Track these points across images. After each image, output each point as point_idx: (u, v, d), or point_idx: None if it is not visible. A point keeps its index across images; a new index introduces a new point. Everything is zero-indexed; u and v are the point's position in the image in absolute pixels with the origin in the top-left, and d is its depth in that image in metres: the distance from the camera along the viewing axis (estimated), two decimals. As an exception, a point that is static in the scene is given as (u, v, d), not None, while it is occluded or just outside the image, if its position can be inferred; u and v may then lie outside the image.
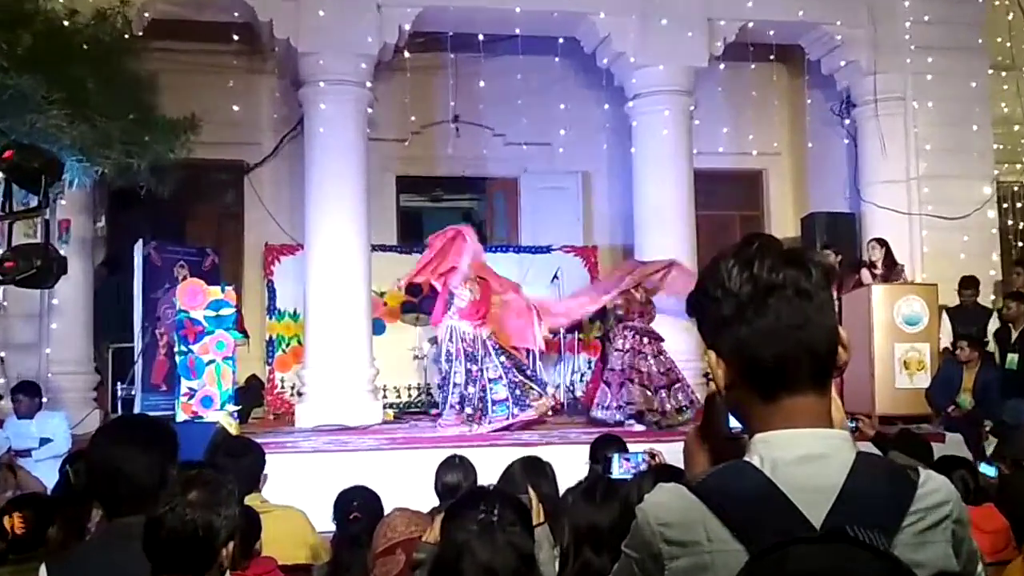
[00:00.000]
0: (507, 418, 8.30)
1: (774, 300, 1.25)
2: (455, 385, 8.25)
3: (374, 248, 10.30)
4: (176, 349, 7.83)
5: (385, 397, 10.54)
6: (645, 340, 8.71)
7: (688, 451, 1.46)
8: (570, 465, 4.52)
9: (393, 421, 9.67)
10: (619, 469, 3.12)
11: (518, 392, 8.52)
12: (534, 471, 3.75)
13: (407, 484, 6.07)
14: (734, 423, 1.37)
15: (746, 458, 1.26)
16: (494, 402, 8.32)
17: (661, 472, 2.40)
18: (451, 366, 8.31)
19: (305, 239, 9.87)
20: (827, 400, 1.30)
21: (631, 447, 4.43)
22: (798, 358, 1.25)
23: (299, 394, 9.92)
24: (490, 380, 8.35)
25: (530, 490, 2.61)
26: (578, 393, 11.06)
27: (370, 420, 9.18)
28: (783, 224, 12.48)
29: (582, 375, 11.24)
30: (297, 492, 5.05)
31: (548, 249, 11.69)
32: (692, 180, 10.60)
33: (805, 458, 1.23)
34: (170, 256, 10.03)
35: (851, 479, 1.21)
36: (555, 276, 10.89)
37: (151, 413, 7.69)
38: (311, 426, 8.92)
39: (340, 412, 9.07)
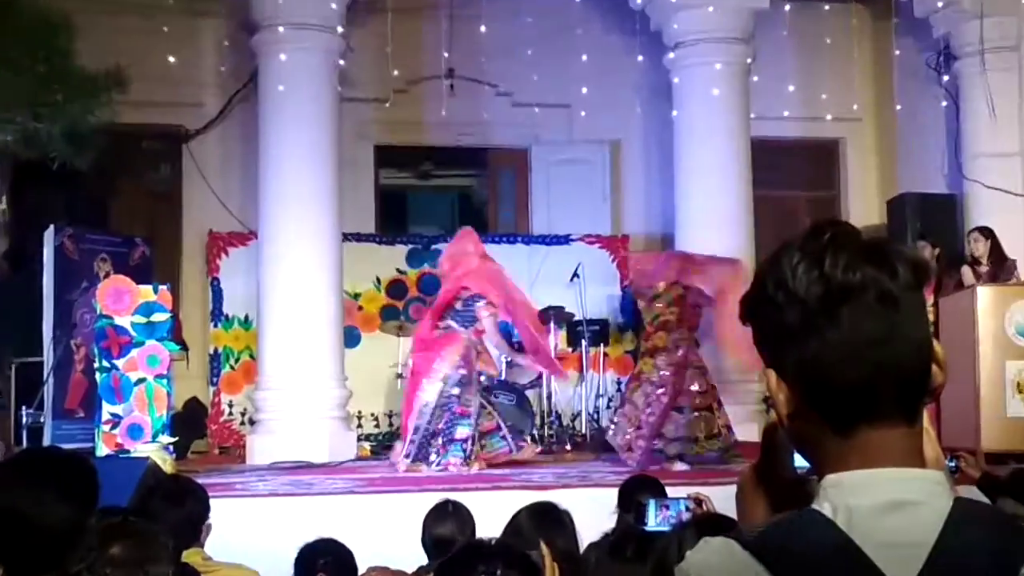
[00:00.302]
0: (508, 452, 8.31)
1: (850, 307, 1.25)
2: (464, 417, 8.24)
3: (346, 237, 10.33)
4: (97, 365, 7.85)
5: (360, 427, 10.55)
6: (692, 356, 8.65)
7: (741, 496, 1.47)
8: (593, 514, 4.51)
9: (370, 457, 9.68)
10: (655, 519, 3.13)
11: (509, 422, 8.53)
12: (548, 521, 3.76)
13: (387, 537, 6.08)
14: (799, 461, 1.37)
15: (814, 506, 1.26)
16: (483, 434, 8.32)
17: (707, 523, 2.41)
18: (461, 392, 8.29)
19: (259, 226, 9.90)
20: (918, 433, 1.30)
21: (671, 491, 4.44)
22: (881, 381, 1.26)
23: (251, 422, 9.93)
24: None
25: (543, 545, 2.62)
26: (604, 423, 11.06)
27: (341, 456, 9.20)
28: (865, 208, 12.48)
29: (609, 400, 11.25)
30: (249, 546, 5.06)
31: (566, 240, 11.71)
32: (749, 152, 10.60)
33: (889, 506, 1.23)
34: (90, 247, 10.04)
35: (947, 533, 1.21)
36: (575, 274, 10.91)
37: (64, 446, 7.69)
38: (266, 463, 8.94)
39: (303, 445, 9.09)
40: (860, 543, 1.21)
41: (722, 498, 3.68)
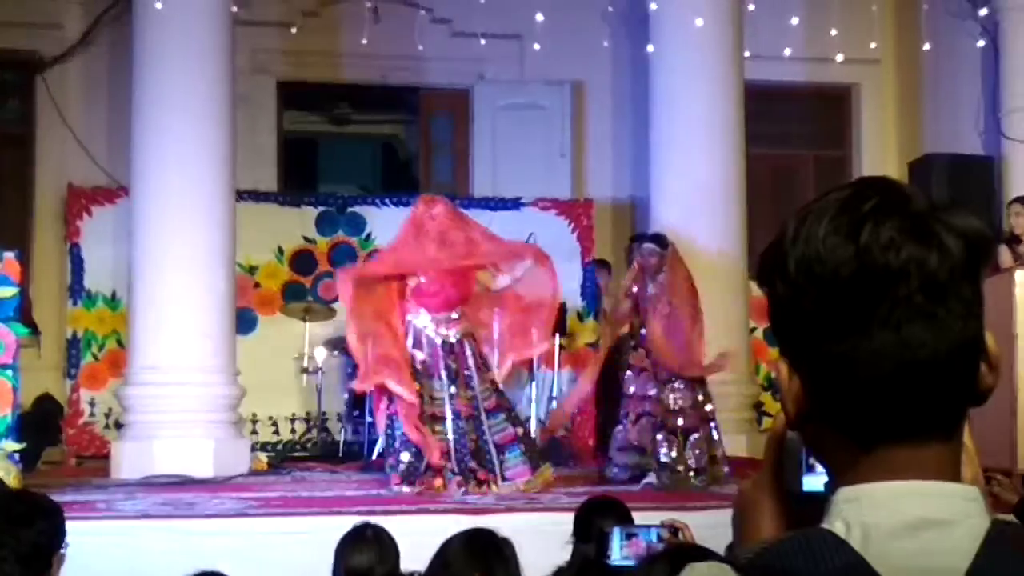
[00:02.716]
0: (529, 471, 8.26)
1: (885, 297, 1.24)
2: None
3: (240, 196, 10.25)
4: (-77, 351, 7.76)
5: (255, 433, 10.51)
6: None
7: (742, 511, 1.46)
8: (542, 544, 4.54)
9: (267, 471, 9.66)
10: (620, 551, 3.15)
11: (527, 439, 8.49)
12: (485, 552, 3.77)
13: (287, 569, 6.09)
14: (810, 483, 1.38)
15: (825, 524, 1.27)
16: (500, 446, 8.26)
17: (682, 555, 2.42)
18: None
19: (131, 180, 9.80)
20: (956, 447, 1.30)
21: (637, 517, 4.46)
22: (912, 388, 1.25)
23: (118, 426, 9.86)
24: (487, 412, 8.30)
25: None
26: (558, 431, 11.10)
27: (230, 469, 9.17)
28: (882, 171, 12.47)
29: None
30: (113, 580, 5.03)
31: (516, 205, 11.72)
32: (742, 100, 10.64)
33: (914, 525, 1.24)
34: (-86, 203, 9.92)
35: (982, 558, 1.22)
36: (526, 245, 10.91)
37: None
38: (137, 477, 8.89)
39: (183, 456, 9.04)
40: (877, 567, 1.21)
41: (702, 526, 3.72)
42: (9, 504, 4.26)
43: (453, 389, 8.20)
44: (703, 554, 2.38)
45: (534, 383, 10.89)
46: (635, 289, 8.71)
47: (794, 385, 1.30)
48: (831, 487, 1.32)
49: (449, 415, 8.15)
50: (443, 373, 8.19)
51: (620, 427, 8.66)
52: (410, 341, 8.24)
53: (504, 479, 8.15)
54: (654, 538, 3.20)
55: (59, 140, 11.53)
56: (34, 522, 3.96)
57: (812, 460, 1.39)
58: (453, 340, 8.28)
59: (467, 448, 8.14)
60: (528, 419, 10.79)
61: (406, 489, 7.99)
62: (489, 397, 8.28)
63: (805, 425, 1.32)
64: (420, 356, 8.21)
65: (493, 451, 8.19)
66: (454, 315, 8.32)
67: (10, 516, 3.96)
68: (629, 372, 8.67)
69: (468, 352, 8.29)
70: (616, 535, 3.22)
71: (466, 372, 8.24)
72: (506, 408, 8.38)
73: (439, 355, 8.22)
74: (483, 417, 8.21)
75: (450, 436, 8.12)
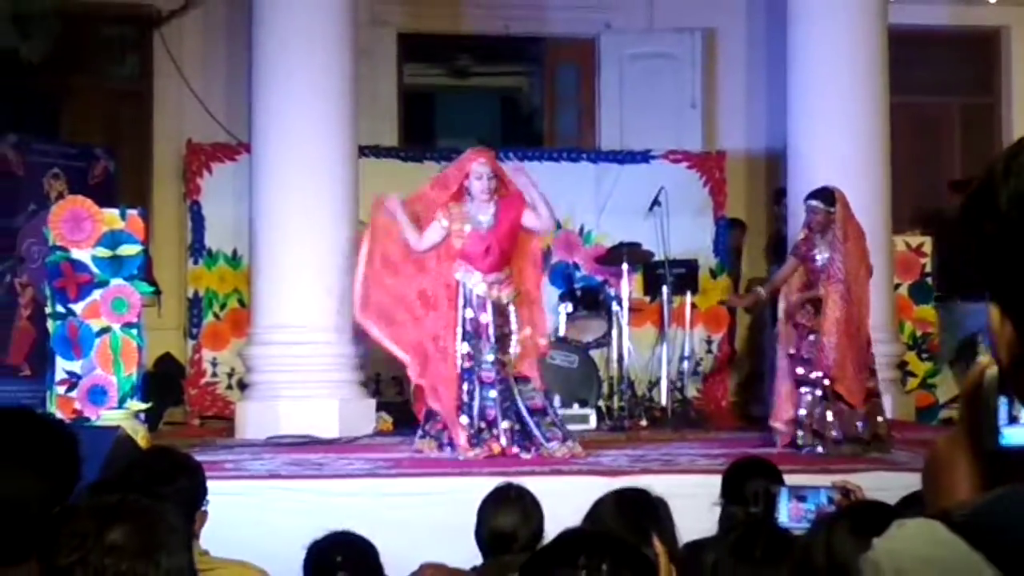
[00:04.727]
0: (560, 439, 8.27)
1: None
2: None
3: (363, 151, 10.31)
4: (49, 310, 7.88)
5: (379, 394, 10.58)
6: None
7: (935, 470, 1.45)
8: (683, 505, 4.53)
9: (393, 432, 9.75)
10: (788, 513, 3.13)
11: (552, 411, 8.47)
12: (640, 512, 3.76)
13: (419, 530, 6.16)
14: (1012, 433, 1.36)
15: (1041, 479, 1.26)
16: (531, 410, 8.27)
17: (865, 513, 2.40)
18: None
19: (251, 136, 9.91)
20: None
21: (790, 479, 4.44)
22: None
23: (242, 386, 10.01)
24: (517, 379, 8.30)
25: (656, 541, 2.62)
26: (690, 392, 11.07)
27: (355, 430, 9.26)
28: (1032, 119, 12.34)
29: (698, 363, 11.22)
30: (245, 541, 5.12)
31: (645, 158, 11.65)
32: (885, 46, 10.46)
33: None
34: (38, 160, 10.10)
35: None
36: (655, 201, 10.86)
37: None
38: (262, 437, 9.02)
39: (308, 416, 9.15)
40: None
41: (871, 489, 3.68)
42: (150, 461, 4.37)
43: (499, 354, 8.20)
44: (887, 512, 2.35)
45: (664, 343, 10.85)
46: (803, 248, 8.53)
47: (1006, 331, 1.28)
48: None
49: (496, 380, 8.16)
50: (492, 335, 8.20)
51: (784, 391, 8.52)
52: (461, 300, 8.26)
53: (546, 441, 8.14)
54: (824, 500, 3.17)
55: (177, 96, 11.65)
56: (176, 477, 4.05)
57: (1016, 411, 1.38)
58: (505, 302, 8.27)
59: (511, 411, 8.19)
60: (659, 380, 10.80)
61: (473, 453, 7.97)
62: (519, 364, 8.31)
63: (1019, 373, 1.30)
64: (470, 315, 8.23)
65: (527, 416, 8.19)
66: (504, 275, 8.31)
67: (152, 472, 4.05)
68: (795, 333, 8.49)
69: (513, 316, 8.28)
70: (784, 496, 3.20)
71: (507, 336, 8.26)
72: (533, 377, 8.35)
73: (489, 316, 8.22)
74: (512, 383, 8.22)
75: (497, 400, 8.13)
